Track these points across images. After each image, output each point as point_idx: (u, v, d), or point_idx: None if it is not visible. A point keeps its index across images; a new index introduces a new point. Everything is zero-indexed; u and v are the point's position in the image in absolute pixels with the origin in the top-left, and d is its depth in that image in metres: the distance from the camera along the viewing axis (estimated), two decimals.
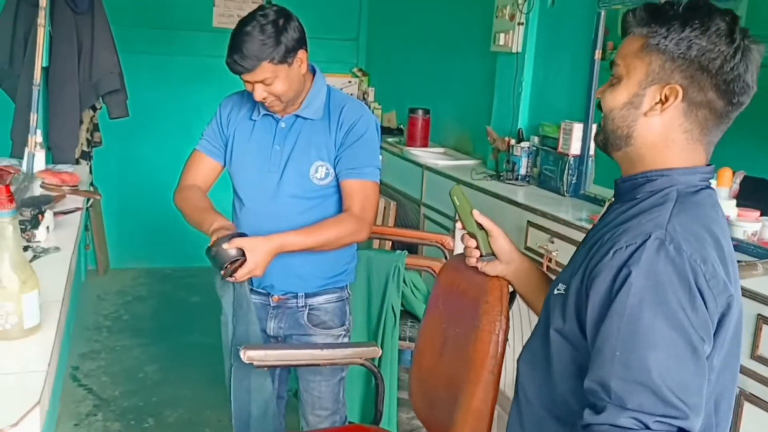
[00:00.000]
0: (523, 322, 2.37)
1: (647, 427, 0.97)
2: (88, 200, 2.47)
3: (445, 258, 2.53)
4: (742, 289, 1.78)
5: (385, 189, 3.75)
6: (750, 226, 2.14)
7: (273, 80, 1.82)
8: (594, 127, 2.67)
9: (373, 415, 1.99)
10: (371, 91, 4.81)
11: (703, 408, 1.01)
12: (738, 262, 1.85)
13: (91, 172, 3.58)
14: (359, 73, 4.99)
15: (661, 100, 1.10)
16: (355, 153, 1.92)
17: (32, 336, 1.31)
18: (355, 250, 2.10)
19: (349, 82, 4.91)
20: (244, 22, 1.80)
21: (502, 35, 3.32)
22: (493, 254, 1.43)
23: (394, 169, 3.75)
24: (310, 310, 2.02)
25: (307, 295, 2.02)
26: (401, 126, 4.31)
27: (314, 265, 1.97)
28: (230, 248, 1.75)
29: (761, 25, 2.57)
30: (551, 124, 3.06)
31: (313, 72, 1.97)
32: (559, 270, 1.94)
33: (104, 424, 2.93)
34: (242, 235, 1.79)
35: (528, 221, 2.68)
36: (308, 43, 1.89)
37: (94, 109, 3.71)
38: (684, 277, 1.00)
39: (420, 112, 3.92)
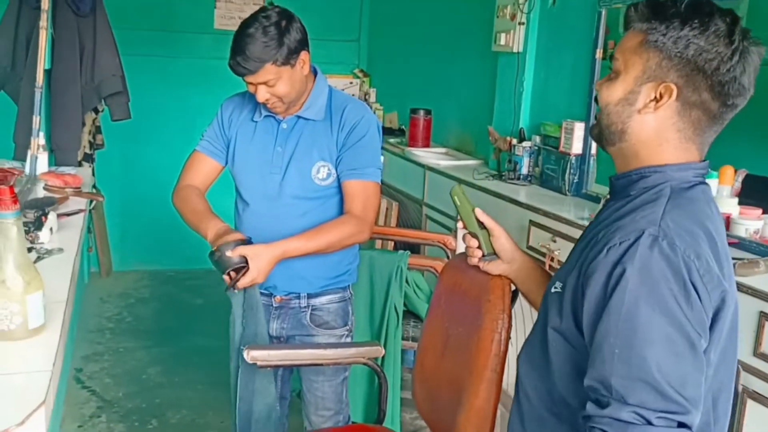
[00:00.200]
0: (525, 320, 2.37)
1: (649, 423, 0.98)
2: (90, 202, 2.48)
3: (448, 258, 2.53)
4: (745, 286, 1.80)
5: (387, 190, 3.76)
6: (752, 224, 2.15)
7: (276, 82, 1.82)
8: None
9: (376, 414, 2.00)
10: (373, 92, 4.82)
11: (702, 402, 1.01)
12: (740, 259, 1.88)
13: (93, 174, 3.59)
14: (360, 74, 5.00)
15: (655, 97, 1.10)
16: (356, 154, 1.92)
17: (37, 336, 1.31)
18: (357, 250, 2.10)
19: (351, 83, 4.92)
20: (246, 24, 1.80)
21: (503, 35, 3.32)
22: (495, 253, 1.43)
23: (395, 170, 3.76)
24: (312, 310, 2.03)
25: (310, 296, 2.02)
26: (403, 126, 4.32)
27: (317, 265, 1.98)
28: (234, 255, 1.75)
29: (762, 25, 2.58)
30: (553, 124, 3.06)
31: (315, 73, 1.98)
32: None
33: (108, 426, 2.93)
34: (246, 241, 1.80)
35: (530, 220, 2.69)
36: (310, 44, 1.89)
37: (96, 111, 3.72)
38: (678, 272, 1.00)
39: (421, 112, 3.93)
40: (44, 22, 2.79)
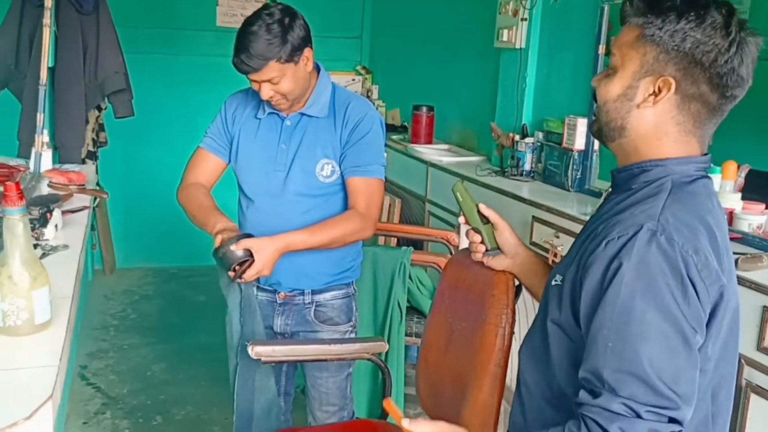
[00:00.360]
0: (528, 315, 2.37)
1: (639, 416, 0.98)
2: (94, 199, 2.49)
3: (450, 254, 2.53)
4: (748, 281, 1.80)
5: (389, 186, 3.76)
6: (755, 219, 2.15)
7: (280, 79, 1.82)
8: None
9: (380, 410, 2.00)
10: (375, 89, 4.82)
11: (695, 398, 1.01)
12: (743, 254, 1.88)
13: (97, 172, 3.60)
14: (363, 71, 5.00)
15: (654, 92, 1.10)
16: (360, 151, 1.93)
17: (43, 332, 1.32)
18: (360, 246, 2.11)
19: (353, 80, 4.92)
20: (250, 22, 1.80)
21: (505, 31, 3.32)
22: (499, 248, 1.43)
23: (398, 167, 3.76)
24: (316, 306, 2.03)
25: (314, 292, 2.03)
26: (405, 123, 4.32)
27: (320, 262, 1.98)
28: (237, 249, 1.76)
29: (764, 19, 2.57)
30: (555, 120, 3.06)
31: (318, 70, 1.98)
32: None
33: (113, 422, 2.94)
34: (248, 236, 1.80)
35: (533, 216, 2.69)
36: (313, 41, 1.90)
37: (99, 109, 3.73)
38: (675, 267, 1.00)
39: (424, 109, 3.93)
40: (47, 19, 2.80)
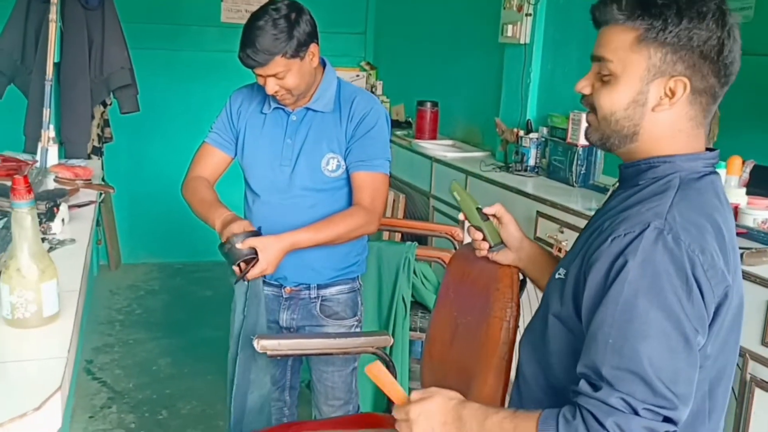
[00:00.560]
0: (533, 309, 2.38)
1: (635, 413, 0.98)
2: (100, 194, 2.50)
3: (455, 249, 2.54)
4: (752, 275, 1.80)
5: (394, 182, 3.76)
6: (760, 214, 2.15)
7: (285, 74, 1.83)
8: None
9: (385, 404, 2.01)
10: (379, 85, 4.82)
11: (693, 398, 1.01)
12: (748, 249, 1.89)
13: (102, 167, 3.62)
14: (367, 67, 5.00)
15: (666, 93, 1.08)
16: (365, 145, 1.93)
17: (51, 324, 1.33)
18: (366, 241, 2.12)
19: (357, 75, 4.92)
20: (256, 17, 1.81)
21: (509, 26, 3.32)
22: (502, 243, 1.44)
23: (403, 162, 3.76)
24: (322, 301, 2.04)
25: (320, 287, 2.03)
26: (410, 119, 4.32)
27: (326, 256, 1.99)
28: (243, 247, 1.77)
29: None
30: (560, 115, 3.06)
31: (323, 65, 1.98)
32: None
33: (119, 416, 2.96)
34: (256, 233, 1.81)
35: (537, 212, 2.69)
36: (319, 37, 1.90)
37: (104, 105, 3.74)
38: (681, 267, 1.00)
39: (428, 104, 3.92)
40: (53, 15, 2.81)
